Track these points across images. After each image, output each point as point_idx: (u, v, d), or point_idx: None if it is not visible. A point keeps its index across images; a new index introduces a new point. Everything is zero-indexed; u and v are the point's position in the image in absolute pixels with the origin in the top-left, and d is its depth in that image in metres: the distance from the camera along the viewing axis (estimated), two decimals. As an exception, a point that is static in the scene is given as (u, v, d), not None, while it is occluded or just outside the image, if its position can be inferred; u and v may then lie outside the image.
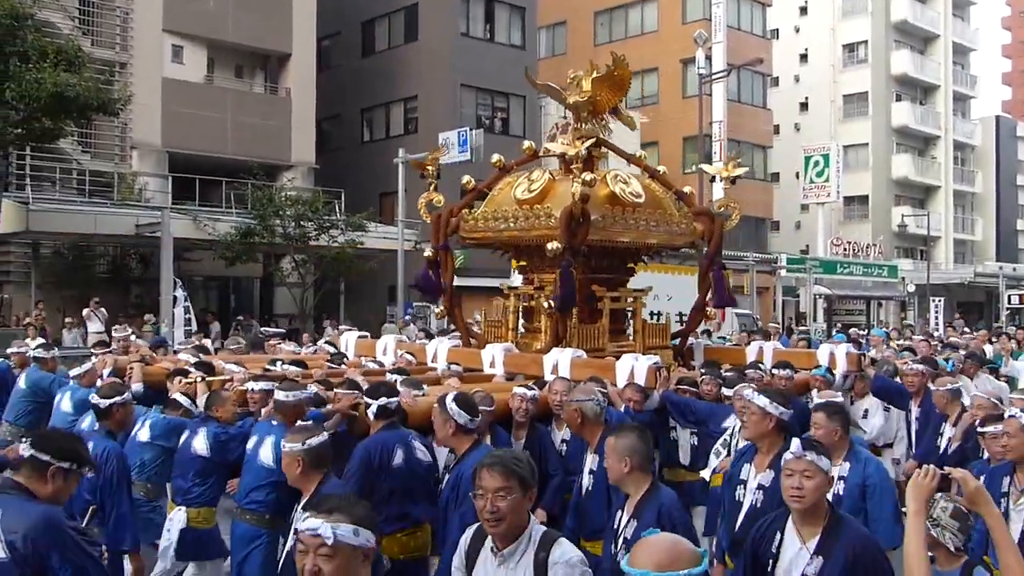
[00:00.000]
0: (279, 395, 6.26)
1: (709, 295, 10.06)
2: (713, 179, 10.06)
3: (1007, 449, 5.34)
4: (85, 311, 21.37)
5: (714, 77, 35.81)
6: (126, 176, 27.56)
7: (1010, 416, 5.39)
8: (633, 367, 8.04)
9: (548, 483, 6.60)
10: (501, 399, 7.08)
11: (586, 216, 8.59)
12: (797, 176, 46.45)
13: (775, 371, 8.77)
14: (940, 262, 51.69)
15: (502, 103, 34.31)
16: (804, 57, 52.78)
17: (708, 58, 36.35)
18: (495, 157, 10.30)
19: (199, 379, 7.88)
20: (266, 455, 6.06)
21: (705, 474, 7.29)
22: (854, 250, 43.36)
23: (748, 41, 40.90)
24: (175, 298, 20.96)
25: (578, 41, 42.73)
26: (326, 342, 12.97)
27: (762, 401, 5.31)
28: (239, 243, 25.33)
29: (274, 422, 6.25)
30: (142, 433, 7.08)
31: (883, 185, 51.29)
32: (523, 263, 10.26)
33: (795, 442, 4.14)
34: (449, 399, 5.61)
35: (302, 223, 25.35)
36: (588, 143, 9.28)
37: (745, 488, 5.37)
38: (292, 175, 30.50)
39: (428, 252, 9.98)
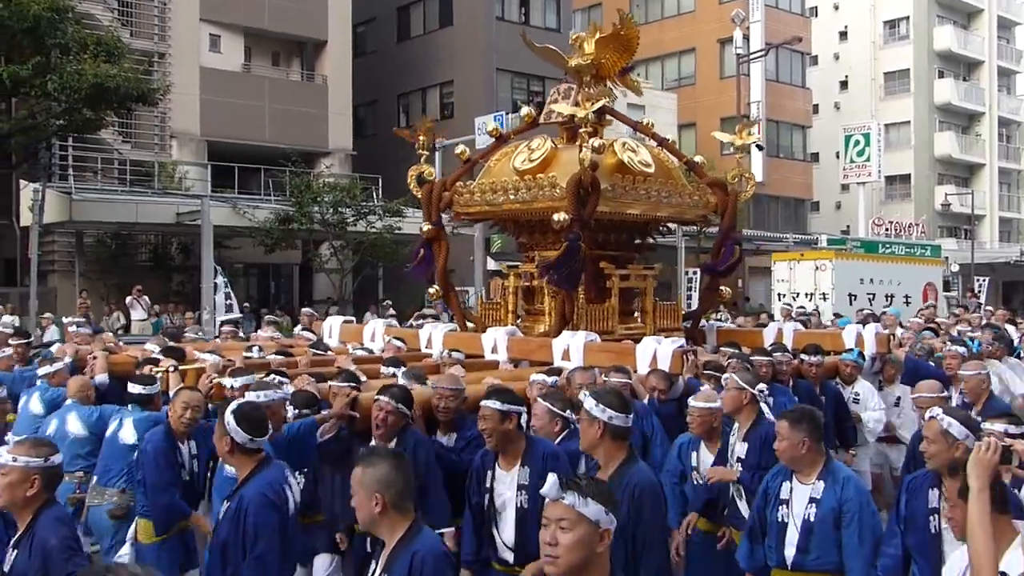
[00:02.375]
0: (250, 396, 5.43)
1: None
2: (748, 151, 9.47)
3: (928, 456, 4.52)
4: (128, 299, 21.66)
5: (752, 57, 35.45)
6: (166, 165, 27.89)
7: (929, 418, 4.55)
8: (656, 351, 7.35)
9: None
10: (519, 389, 6.33)
11: (595, 185, 7.95)
12: (837, 156, 45.80)
13: (804, 357, 8.10)
14: (985, 241, 50.77)
15: (538, 87, 34.16)
16: (844, 35, 51.99)
17: (746, 37, 35.97)
18: (490, 125, 9.68)
19: (171, 368, 7.09)
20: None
21: None
22: (896, 230, 42.66)
23: (786, 19, 40.37)
24: (216, 284, 21.16)
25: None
26: (303, 329, 12.02)
27: (588, 403, 4.49)
28: (278, 230, 25.54)
29: None
30: (125, 434, 6.38)
31: (925, 164, 50.47)
32: (523, 240, 9.54)
33: (550, 480, 3.01)
34: (228, 412, 4.64)
35: (340, 209, 25.47)
36: (598, 104, 8.49)
37: None
38: (329, 162, 30.68)
39: (427, 227, 9.30)
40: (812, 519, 4.69)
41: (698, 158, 9.77)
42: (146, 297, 21.71)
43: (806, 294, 22.81)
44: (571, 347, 7.66)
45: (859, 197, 43.85)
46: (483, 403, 5.12)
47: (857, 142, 43.68)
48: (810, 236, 37.84)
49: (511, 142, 9.53)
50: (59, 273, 26.36)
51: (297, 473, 6.28)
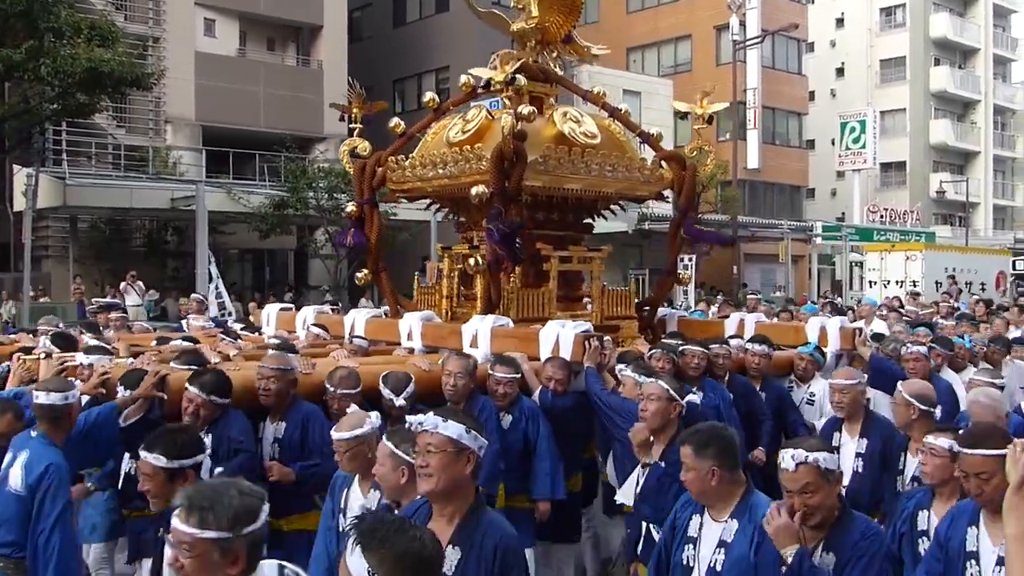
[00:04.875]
0: (39, 397, 4.78)
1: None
2: (710, 123, 8.69)
3: (813, 506, 3.70)
4: (122, 284, 21.64)
5: (748, 43, 35.39)
6: (160, 150, 27.83)
7: (797, 464, 3.66)
8: (559, 337, 6.54)
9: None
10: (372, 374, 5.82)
11: (521, 156, 7.14)
12: (833, 143, 45.91)
13: (748, 346, 7.39)
14: (979, 228, 50.93)
15: (534, 72, 34.15)
16: (840, 21, 51.93)
17: (742, 24, 35.95)
18: (427, 96, 8.95)
19: (42, 356, 6.18)
20: (16, 479, 4.57)
21: (620, 497, 5.48)
22: (891, 217, 42.76)
23: (783, 6, 40.23)
24: (209, 273, 21.13)
25: (611, 9, 42.30)
26: (238, 319, 11.54)
27: (452, 428, 3.29)
28: (273, 216, 25.52)
29: (33, 432, 4.79)
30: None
31: (921, 151, 50.55)
32: (462, 218, 8.82)
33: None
34: None
35: (335, 195, 25.42)
36: (514, 66, 7.66)
37: None
38: (325, 147, 30.58)
39: (351, 208, 8.61)
40: (719, 568, 3.70)
41: (654, 130, 9.05)
42: (140, 282, 21.70)
43: (897, 282, 25.07)
44: (479, 332, 7.00)
45: (854, 184, 43.93)
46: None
47: (853, 129, 43.73)
48: (805, 223, 37.89)
49: (450, 113, 8.88)
50: (53, 258, 26.32)
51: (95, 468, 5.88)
